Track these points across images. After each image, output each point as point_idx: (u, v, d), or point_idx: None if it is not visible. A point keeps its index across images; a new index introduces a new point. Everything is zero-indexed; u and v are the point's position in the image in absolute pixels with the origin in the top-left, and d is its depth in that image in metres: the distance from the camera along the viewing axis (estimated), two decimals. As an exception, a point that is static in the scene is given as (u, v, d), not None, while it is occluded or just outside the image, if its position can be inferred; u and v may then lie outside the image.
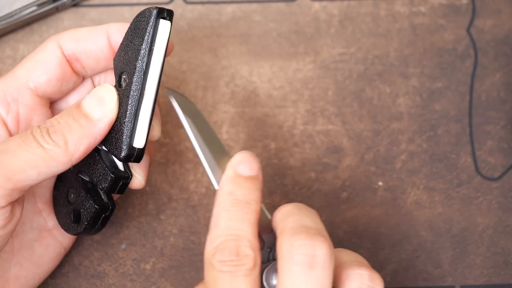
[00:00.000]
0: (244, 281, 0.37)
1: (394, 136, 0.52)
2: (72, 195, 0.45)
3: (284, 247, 0.38)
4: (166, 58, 0.42)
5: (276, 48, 0.52)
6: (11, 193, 0.40)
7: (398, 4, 0.53)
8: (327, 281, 0.37)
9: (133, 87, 0.41)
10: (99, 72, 0.45)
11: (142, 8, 0.51)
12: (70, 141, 0.41)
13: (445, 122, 0.52)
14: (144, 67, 0.40)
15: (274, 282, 0.40)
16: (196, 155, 0.44)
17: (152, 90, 0.41)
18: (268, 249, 0.41)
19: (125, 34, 0.42)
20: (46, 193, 0.46)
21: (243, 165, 0.41)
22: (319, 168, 0.51)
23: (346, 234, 0.51)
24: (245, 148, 0.51)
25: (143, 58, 0.40)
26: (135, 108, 0.41)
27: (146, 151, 0.43)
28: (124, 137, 0.41)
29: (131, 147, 0.41)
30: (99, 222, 0.44)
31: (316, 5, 0.52)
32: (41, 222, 0.46)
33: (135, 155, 0.41)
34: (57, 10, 0.51)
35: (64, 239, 0.47)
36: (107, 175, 0.43)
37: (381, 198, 0.52)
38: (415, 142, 0.52)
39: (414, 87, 0.52)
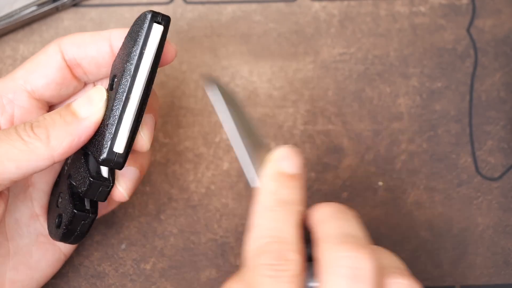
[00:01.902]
0: (289, 287, 0.36)
1: (394, 136, 0.52)
2: (60, 199, 0.44)
3: (327, 257, 0.36)
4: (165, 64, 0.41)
5: (276, 48, 0.52)
6: None
7: (398, 4, 0.53)
8: None
9: (120, 90, 0.40)
10: (101, 78, 0.45)
11: (142, 8, 0.51)
12: (53, 135, 0.40)
13: (445, 122, 0.52)
14: (132, 70, 0.40)
15: (310, 285, 0.38)
16: (231, 147, 0.42)
17: (138, 93, 0.40)
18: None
19: (124, 38, 0.42)
20: (43, 197, 0.46)
21: (286, 162, 0.39)
22: (319, 168, 0.51)
23: (346, 234, 0.51)
24: (245, 148, 0.51)
25: (132, 61, 0.40)
26: (120, 110, 0.40)
27: (135, 163, 0.43)
28: (105, 139, 0.40)
29: (110, 151, 0.40)
30: (78, 228, 0.43)
31: (316, 5, 0.52)
32: (38, 227, 0.46)
33: (114, 160, 0.40)
34: (57, 10, 0.51)
35: (63, 245, 0.46)
36: (86, 178, 0.42)
37: (381, 198, 0.52)
38: (415, 142, 0.52)
39: (414, 87, 0.52)
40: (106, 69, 0.43)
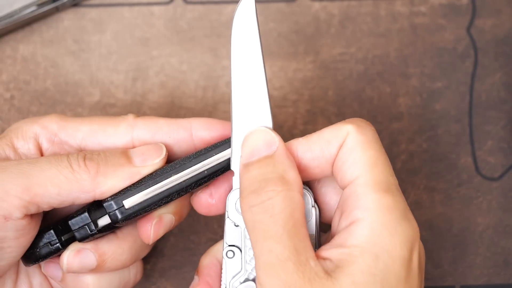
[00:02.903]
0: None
1: (394, 136, 0.52)
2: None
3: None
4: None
5: (276, 48, 0.52)
6: (28, 205, 0.39)
7: (398, 4, 0.53)
8: None
9: (174, 165, 0.41)
10: None
11: (142, 8, 0.51)
12: (102, 172, 0.40)
13: (445, 122, 0.52)
14: (191, 159, 0.41)
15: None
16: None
17: (185, 180, 0.41)
18: None
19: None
20: None
21: (255, 154, 0.39)
22: (319, 168, 0.51)
23: (346, 234, 0.51)
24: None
25: (198, 155, 0.41)
26: (159, 177, 0.40)
27: (173, 212, 0.42)
28: (125, 189, 0.40)
29: (119, 201, 0.40)
30: (38, 248, 0.42)
31: (316, 5, 0.52)
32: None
33: (115, 210, 0.40)
34: (57, 10, 0.51)
35: None
36: (84, 209, 0.41)
37: (381, 198, 0.52)
38: (415, 142, 0.52)
39: (414, 87, 0.52)
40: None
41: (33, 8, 0.50)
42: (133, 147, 0.42)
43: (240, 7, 0.40)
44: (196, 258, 0.51)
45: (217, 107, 0.51)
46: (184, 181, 0.41)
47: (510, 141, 0.52)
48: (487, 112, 0.52)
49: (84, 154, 0.40)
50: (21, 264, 0.44)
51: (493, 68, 0.53)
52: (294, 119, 0.52)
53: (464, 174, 0.52)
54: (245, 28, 0.40)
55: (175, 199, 0.41)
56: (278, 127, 0.51)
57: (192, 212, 0.51)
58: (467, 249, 0.52)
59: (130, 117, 0.43)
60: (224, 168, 0.41)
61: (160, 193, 0.40)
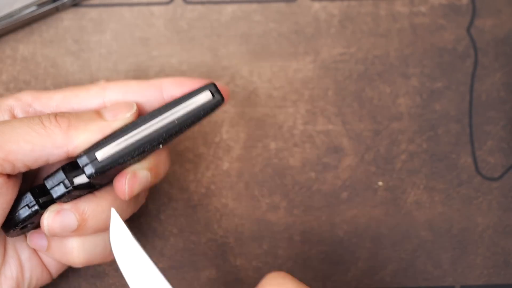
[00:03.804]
0: None
1: (394, 136, 0.52)
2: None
3: None
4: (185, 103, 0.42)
5: (276, 48, 0.52)
6: (2, 163, 0.40)
7: (398, 4, 0.53)
8: None
9: (143, 118, 0.41)
10: None
11: (142, 8, 0.51)
12: (73, 125, 0.40)
13: (445, 122, 0.52)
14: (164, 109, 0.41)
15: None
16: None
17: (156, 133, 0.41)
18: None
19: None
20: None
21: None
22: (319, 168, 0.51)
23: (346, 234, 0.51)
24: (245, 148, 0.51)
25: (169, 106, 0.41)
26: (131, 131, 0.41)
27: (148, 168, 0.42)
28: (98, 141, 0.40)
29: (92, 153, 0.40)
30: (16, 211, 0.42)
31: (316, 5, 0.52)
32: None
33: (88, 163, 0.40)
34: (57, 10, 0.51)
35: (54, 267, 0.46)
36: (59, 168, 0.41)
37: (381, 198, 0.52)
38: (415, 142, 0.52)
39: (414, 87, 0.52)
40: None
41: (33, 8, 0.50)
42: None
43: (112, 228, 0.41)
44: (196, 258, 0.51)
45: (217, 107, 0.51)
46: (154, 131, 0.41)
47: (510, 141, 0.52)
48: (487, 112, 0.52)
49: (55, 113, 0.41)
50: (8, 240, 0.44)
51: (493, 68, 0.53)
52: (294, 119, 0.52)
53: (464, 174, 0.52)
54: (124, 243, 0.41)
55: (148, 151, 0.41)
56: (278, 127, 0.51)
57: (192, 212, 0.51)
58: (467, 249, 0.52)
59: (101, 82, 0.44)
60: (195, 116, 0.41)
61: (132, 144, 0.40)
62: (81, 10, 0.51)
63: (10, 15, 0.49)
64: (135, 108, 0.42)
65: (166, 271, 0.50)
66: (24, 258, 0.44)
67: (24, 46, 0.51)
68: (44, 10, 0.50)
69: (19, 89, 0.51)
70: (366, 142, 0.52)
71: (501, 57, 0.53)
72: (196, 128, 0.51)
